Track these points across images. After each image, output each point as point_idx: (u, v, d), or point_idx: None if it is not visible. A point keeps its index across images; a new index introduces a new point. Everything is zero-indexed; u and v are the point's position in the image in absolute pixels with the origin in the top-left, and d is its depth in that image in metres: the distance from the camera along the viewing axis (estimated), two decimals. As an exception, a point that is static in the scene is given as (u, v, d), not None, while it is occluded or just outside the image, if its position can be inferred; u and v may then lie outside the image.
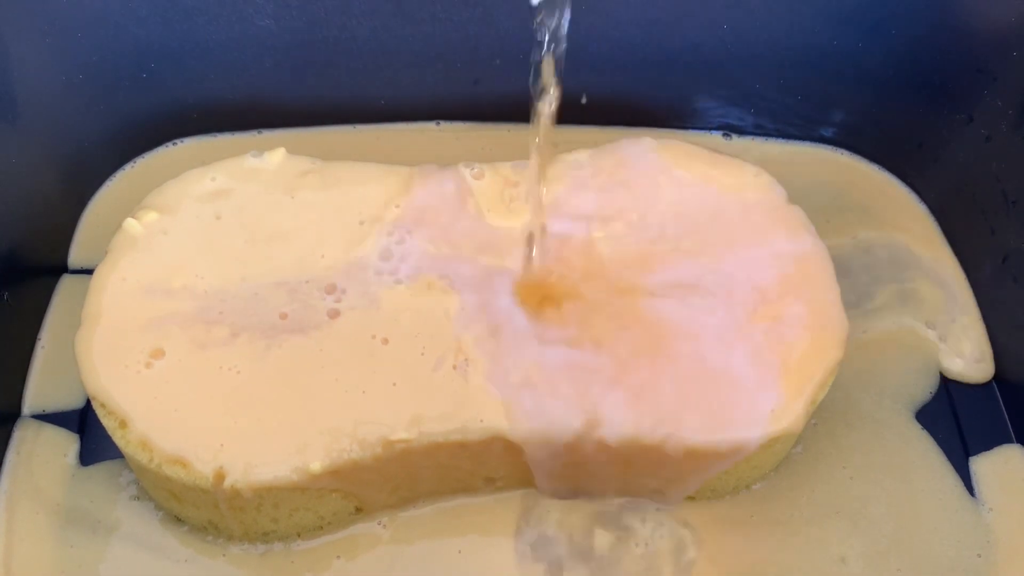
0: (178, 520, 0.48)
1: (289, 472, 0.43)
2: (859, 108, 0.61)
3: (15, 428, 0.50)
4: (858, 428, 0.52)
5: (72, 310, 0.51)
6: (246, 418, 0.44)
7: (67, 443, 0.50)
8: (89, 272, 0.49)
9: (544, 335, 0.46)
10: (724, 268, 0.48)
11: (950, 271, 0.58)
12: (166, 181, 0.51)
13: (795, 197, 0.51)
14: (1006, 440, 0.52)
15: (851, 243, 0.58)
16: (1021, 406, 0.53)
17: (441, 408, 0.44)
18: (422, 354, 0.45)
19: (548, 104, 0.43)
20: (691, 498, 0.49)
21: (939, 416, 0.53)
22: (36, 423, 0.50)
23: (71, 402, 0.51)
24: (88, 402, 0.50)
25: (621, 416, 0.44)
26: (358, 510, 0.47)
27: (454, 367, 0.45)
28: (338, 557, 0.47)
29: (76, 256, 0.57)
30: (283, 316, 0.46)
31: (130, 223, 0.49)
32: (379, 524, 0.48)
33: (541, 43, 0.41)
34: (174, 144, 0.61)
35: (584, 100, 0.59)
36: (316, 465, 0.43)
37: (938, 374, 0.54)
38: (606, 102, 0.61)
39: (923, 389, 0.53)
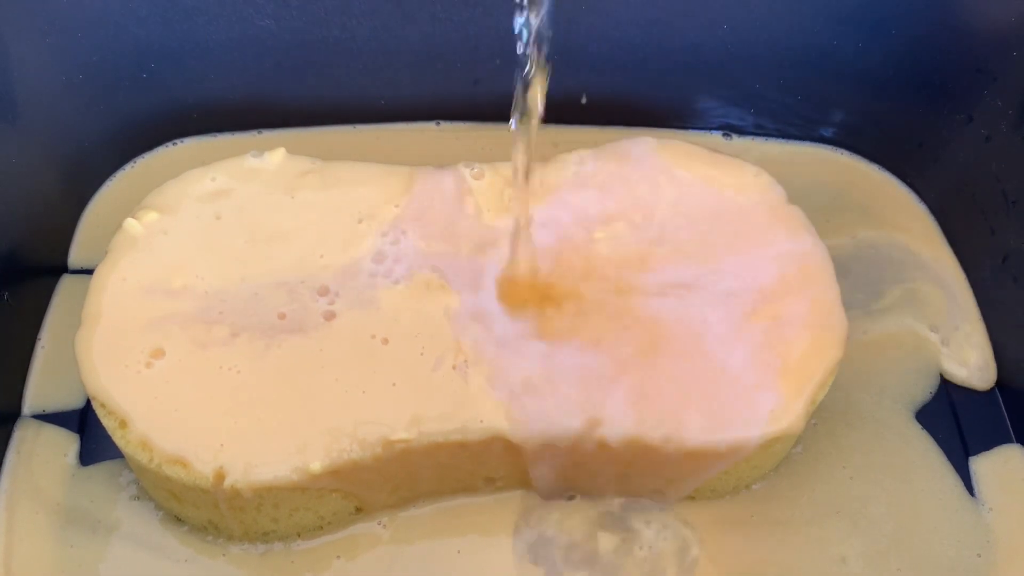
0: (178, 520, 0.48)
1: (289, 472, 0.43)
2: (859, 108, 0.61)
3: (15, 428, 0.50)
4: (858, 428, 0.51)
5: (72, 310, 0.51)
6: (246, 418, 0.44)
7: (67, 443, 0.50)
8: (89, 272, 0.49)
9: (544, 335, 0.46)
10: (724, 268, 0.48)
11: (950, 271, 0.58)
12: (166, 181, 0.51)
13: (795, 197, 0.51)
14: (1006, 440, 0.52)
15: (851, 243, 0.58)
16: (1021, 406, 0.53)
17: (441, 408, 0.44)
18: (421, 354, 0.45)
19: (536, 104, 0.43)
20: (691, 498, 0.49)
21: (939, 416, 0.53)
22: (36, 423, 0.50)
23: (71, 402, 0.51)
24: (88, 402, 0.50)
25: (621, 416, 0.44)
26: (358, 510, 0.47)
27: (453, 367, 0.45)
28: (338, 557, 0.47)
29: (76, 256, 0.57)
30: (283, 316, 0.46)
31: (130, 223, 0.49)
32: (379, 524, 0.48)
33: (526, 43, 0.41)
34: (174, 144, 0.61)
35: (584, 100, 0.59)
36: (316, 465, 0.43)
37: (938, 374, 0.54)
38: (606, 102, 0.61)
39: (923, 389, 0.53)
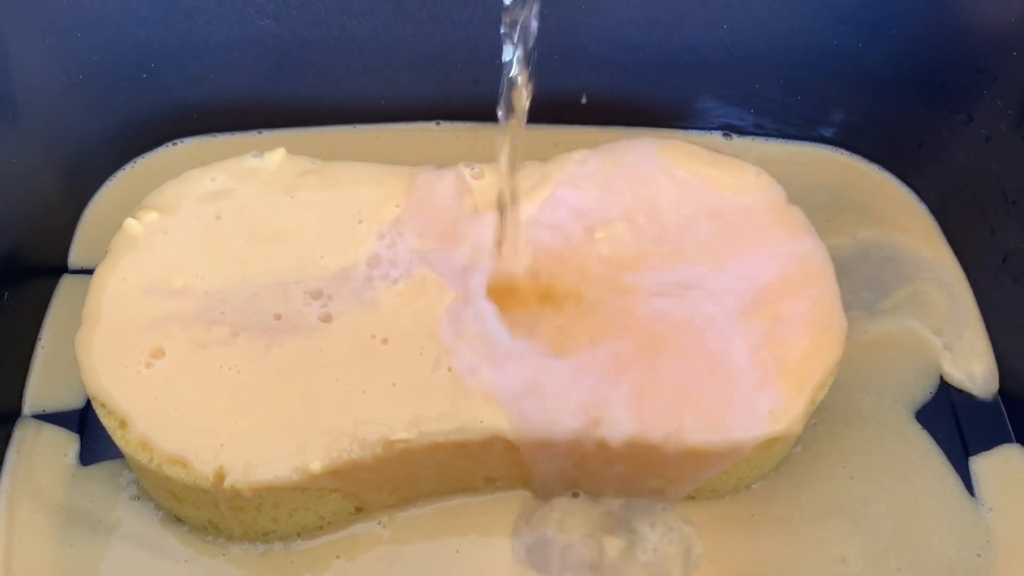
0: (178, 520, 0.48)
1: (289, 472, 0.43)
2: (859, 108, 0.61)
3: (15, 428, 0.50)
4: (858, 428, 0.51)
5: (72, 310, 0.51)
6: (246, 418, 0.44)
7: (67, 443, 0.50)
8: (89, 272, 0.49)
9: (544, 335, 0.46)
10: (724, 268, 0.48)
11: (950, 271, 0.58)
12: (166, 181, 0.51)
13: (795, 197, 0.51)
14: (1006, 440, 0.52)
15: (851, 243, 0.58)
16: (1021, 406, 0.53)
17: (441, 408, 0.44)
18: (421, 354, 0.45)
19: (521, 103, 0.43)
20: (691, 497, 0.49)
21: (939, 416, 0.53)
22: (36, 423, 0.50)
23: (71, 402, 0.51)
24: (88, 402, 0.50)
25: (621, 416, 0.44)
26: (358, 510, 0.47)
27: (449, 368, 0.45)
28: (338, 557, 0.47)
29: (76, 256, 0.57)
30: (283, 316, 0.46)
31: (130, 223, 0.49)
32: (379, 524, 0.48)
33: (513, 43, 0.41)
34: (174, 144, 0.61)
35: (584, 100, 0.59)
36: (316, 465, 0.43)
37: (938, 375, 0.54)
38: (606, 102, 0.61)
39: (923, 389, 0.53)
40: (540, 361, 0.45)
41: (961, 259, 0.58)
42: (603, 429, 0.44)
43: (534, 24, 0.41)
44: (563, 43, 0.59)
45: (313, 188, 0.50)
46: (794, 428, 0.45)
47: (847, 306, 0.48)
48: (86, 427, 0.50)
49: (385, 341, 0.46)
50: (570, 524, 0.48)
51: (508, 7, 0.40)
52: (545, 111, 0.61)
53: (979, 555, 0.48)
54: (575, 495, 0.49)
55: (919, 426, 0.52)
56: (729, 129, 0.63)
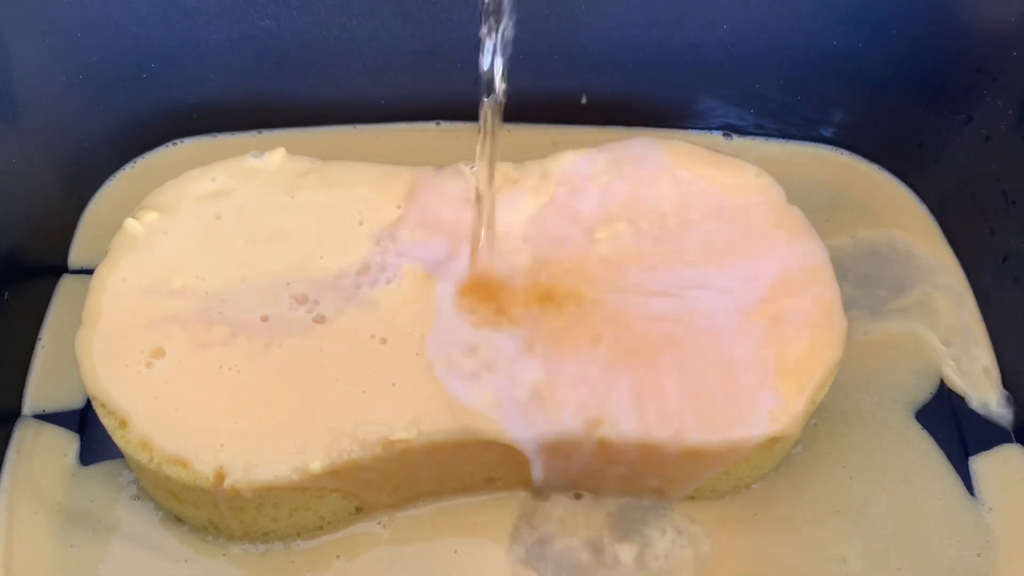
0: (178, 520, 0.48)
1: (289, 472, 0.43)
2: (859, 108, 0.61)
3: (15, 428, 0.50)
4: (858, 428, 0.51)
5: (72, 310, 0.51)
6: (246, 418, 0.44)
7: (67, 443, 0.50)
8: (89, 272, 0.49)
9: (544, 335, 0.46)
10: (724, 268, 0.48)
11: (950, 271, 0.58)
12: (166, 181, 0.51)
13: (795, 197, 0.51)
14: (1006, 440, 0.52)
15: (851, 243, 0.58)
16: (1021, 406, 0.53)
17: (441, 408, 0.44)
18: (420, 354, 0.45)
19: (497, 103, 0.43)
20: (691, 498, 0.49)
21: (939, 416, 0.53)
22: (36, 423, 0.50)
23: (71, 402, 0.51)
24: (88, 402, 0.50)
25: (621, 416, 0.44)
26: (358, 510, 0.47)
27: (449, 369, 0.45)
28: (338, 557, 0.47)
29: (76, 256, 0.57)
30: (283, 316, 0.46)
31: (130, 223, 0.49)
32: (379, 524, 0.48)
33: (492, 44, 0.41)
34: (174, 144, 0.61)
35: (584, 100, 0.59)
36: (316, 465, 0.43)
37: (938, 375, 0.54)
38: (606, 102, 0.61)
39: (923, 389, 0.53)
40: (540, 361, 0.45)
41: (961, 259, 0.58)
42: (603, 429, 0.44)
43: (508, 19, 0.40)
44: (563, 43, 0.59)
45: (313, 188, 0.50)
46: (794, 428, 0.45)
47: (847, 306, 0.48)
48: (86, 427, 0.50)
49: (384, 341, 0.46)
50: (571, 525, 0.48)
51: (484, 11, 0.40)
52: (545, 111, 0.62)
53: (979, 555, 0.48)
54: (576, 496, 0.49)
55: (919, 426, 0.52)
56: (729, 129, 0.63)
